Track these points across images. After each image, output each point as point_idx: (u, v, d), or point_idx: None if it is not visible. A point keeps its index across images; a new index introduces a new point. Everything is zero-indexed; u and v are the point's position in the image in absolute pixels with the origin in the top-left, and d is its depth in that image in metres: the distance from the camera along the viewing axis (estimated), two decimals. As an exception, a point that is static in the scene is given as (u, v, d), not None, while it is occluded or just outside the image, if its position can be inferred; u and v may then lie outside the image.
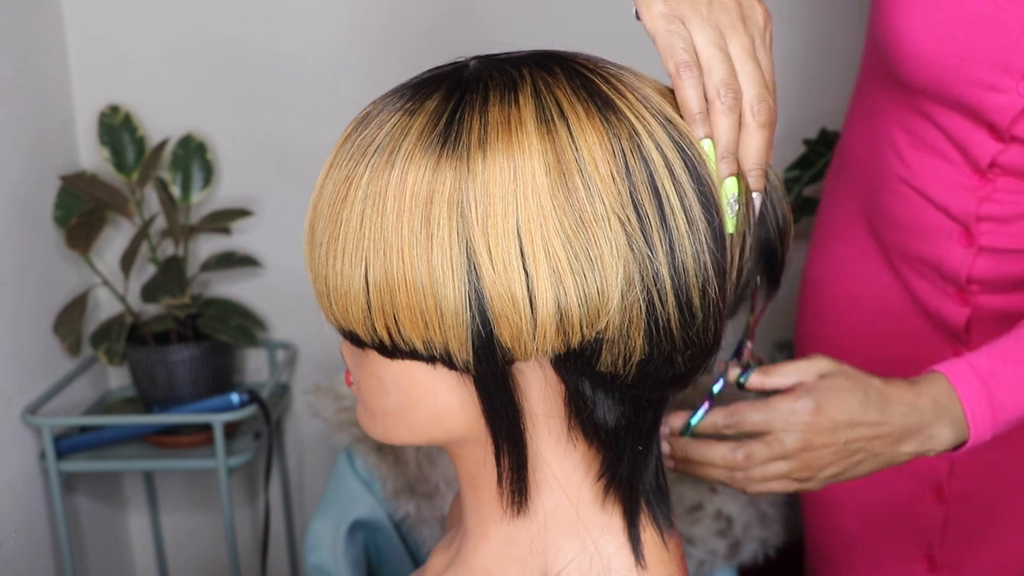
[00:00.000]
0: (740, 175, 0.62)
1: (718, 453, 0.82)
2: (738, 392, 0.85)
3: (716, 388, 0.83)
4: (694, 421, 0.82)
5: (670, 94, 0.62)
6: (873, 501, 1.14)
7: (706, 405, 0.83)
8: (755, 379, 0.83)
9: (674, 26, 0.64)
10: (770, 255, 0.69)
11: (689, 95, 0.62)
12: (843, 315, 1.16)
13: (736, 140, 0.62)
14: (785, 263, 0.70)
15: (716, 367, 0.83)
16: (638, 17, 0.66)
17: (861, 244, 1.12)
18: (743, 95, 0.63)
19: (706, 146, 0.61)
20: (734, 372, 0.84)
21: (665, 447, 0.83)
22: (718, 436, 0.83)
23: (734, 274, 0.61)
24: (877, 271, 1.11)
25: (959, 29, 0.91)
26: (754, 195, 0.63)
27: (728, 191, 0.60)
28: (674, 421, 0.84)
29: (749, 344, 0.81)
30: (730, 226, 0.60)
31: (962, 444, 0.84)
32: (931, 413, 0.82)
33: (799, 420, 0.81)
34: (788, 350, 1.84)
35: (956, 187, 0.99)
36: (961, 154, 0.98)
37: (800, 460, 0.81)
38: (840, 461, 0.82)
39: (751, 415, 0.82)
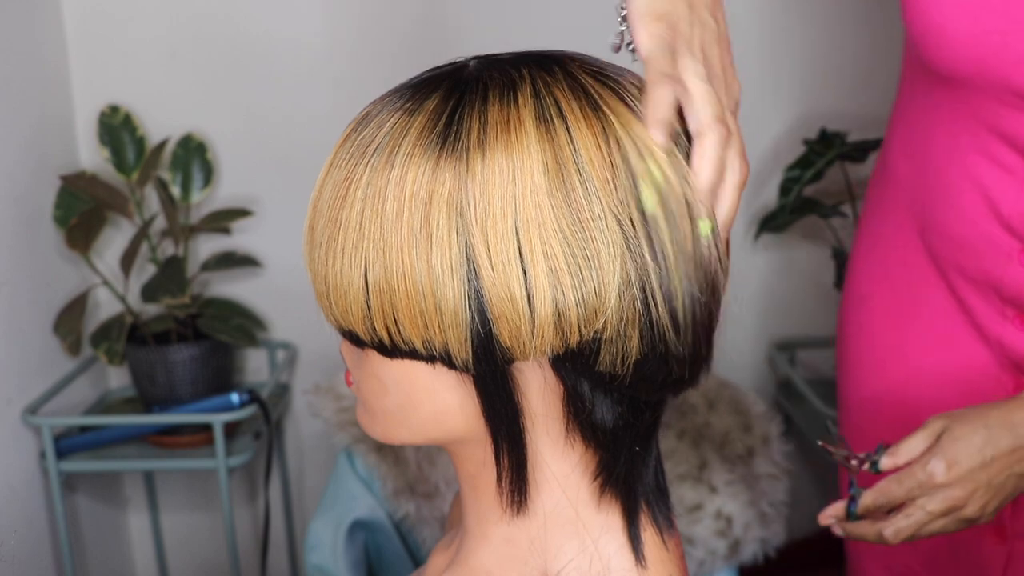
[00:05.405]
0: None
1: (871, 535, 0.88)
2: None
3: (854, 487, 0.90)
4: (853, 510, 0.90)
5: None
6: (932, 537, 1.10)
7: (853, 496, 0.90)
8: (887, 462, 0.88)
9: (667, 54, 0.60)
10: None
11: (660, 96, 0.56)
12: (889, 331, 1.08)
13: (719, 181, 0.57)
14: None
15: (851, 468, 0.92)
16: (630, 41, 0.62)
17: (912, 258, 1.04)
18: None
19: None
20: (865, 465, 0.90)
21: (839, 530, 0.91)
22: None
23: (725, 280, 0.61)
24: (929, 287, 1.03)
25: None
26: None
27: (704, 230, 0.55)
28: (836, 511, 0.91)
29: (843, 438, 0.91)
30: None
31: None
32: None
33: (937, 483, 0.84)
34: (789, 350, 1.84)
35: (1017, 199, 0.90)
36: (1022, 158, 0.90)
37: (955, 515, 0.86)
38: (995, 496, 0.86)
39: (895, 490, 0.87)
